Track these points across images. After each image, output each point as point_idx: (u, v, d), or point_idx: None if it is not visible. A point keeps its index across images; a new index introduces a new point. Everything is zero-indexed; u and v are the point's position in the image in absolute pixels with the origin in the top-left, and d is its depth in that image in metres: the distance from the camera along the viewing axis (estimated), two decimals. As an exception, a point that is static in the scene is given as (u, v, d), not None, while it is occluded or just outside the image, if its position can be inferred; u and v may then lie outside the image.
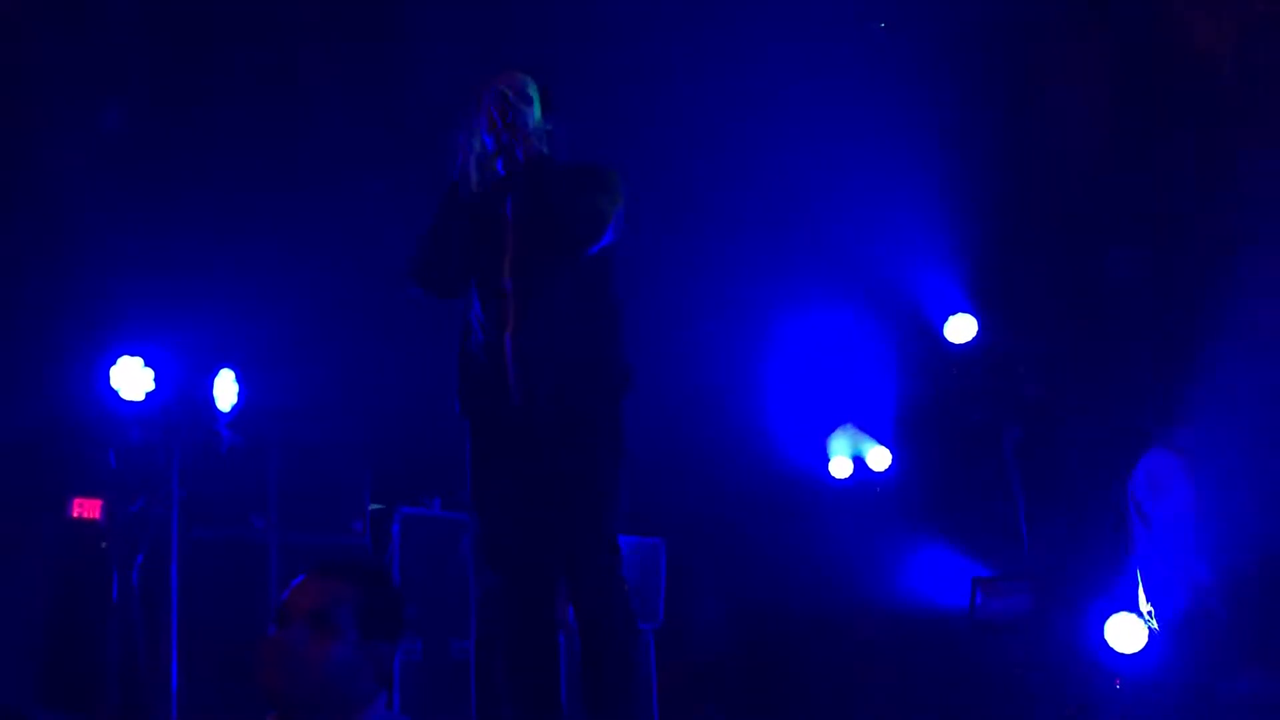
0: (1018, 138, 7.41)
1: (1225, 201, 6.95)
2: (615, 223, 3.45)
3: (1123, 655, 6.21)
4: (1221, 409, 5.95)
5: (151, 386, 5.71)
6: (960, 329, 7.47)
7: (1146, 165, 7.15)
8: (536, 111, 3.54)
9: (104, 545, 5.55)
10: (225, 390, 5.98)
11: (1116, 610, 6.26)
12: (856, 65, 6.82)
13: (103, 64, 5.73)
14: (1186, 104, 7.08)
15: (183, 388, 5.87)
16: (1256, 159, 6.72)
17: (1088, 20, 7.33)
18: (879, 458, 7.98)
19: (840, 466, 8.00)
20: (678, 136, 6.49)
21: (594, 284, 3.46)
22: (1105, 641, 6.27)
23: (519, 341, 3.35)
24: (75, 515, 5.53)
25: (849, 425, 7.57)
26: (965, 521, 7.43)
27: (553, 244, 3.39)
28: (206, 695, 5.30)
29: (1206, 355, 6.23)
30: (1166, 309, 6.96)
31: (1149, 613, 5.84)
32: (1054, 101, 7.62)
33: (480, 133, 3.52)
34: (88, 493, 5.57)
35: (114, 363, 5.64)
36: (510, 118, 3.45)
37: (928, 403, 7.83)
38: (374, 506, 5.97)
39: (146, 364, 5.70)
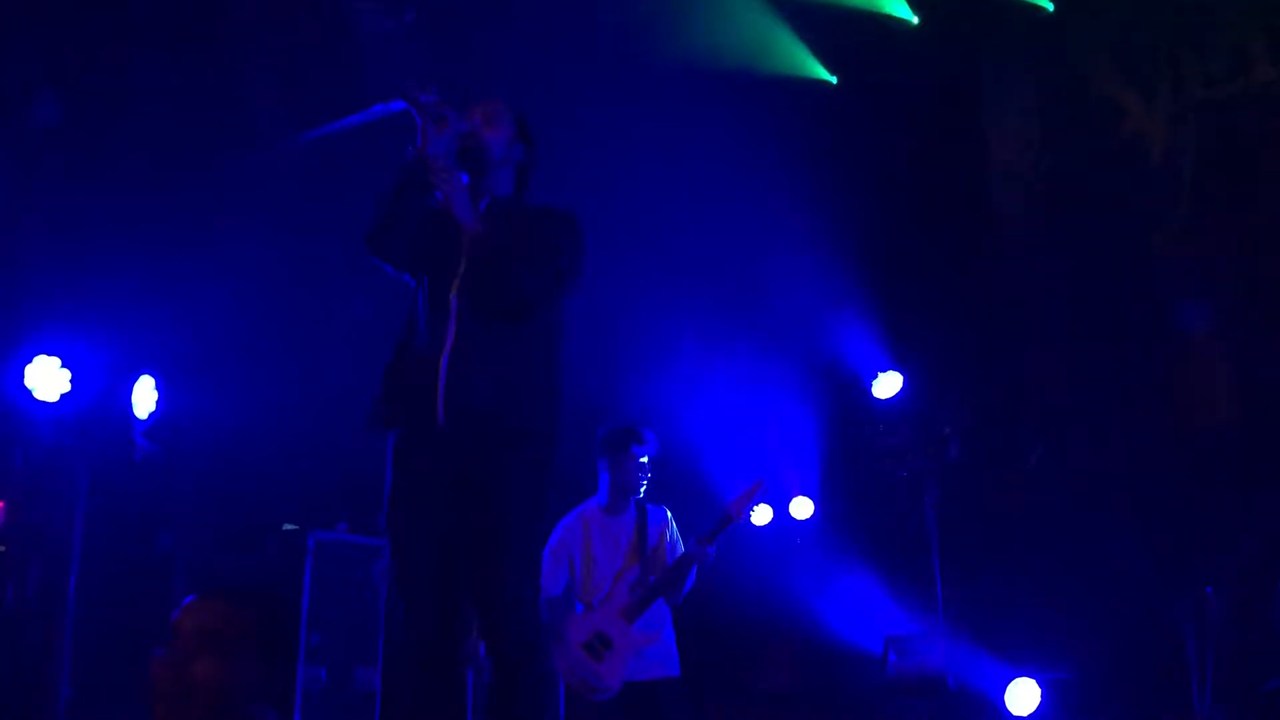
0: (956, 205, 7.59)
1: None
2: (563, 284, 3.37)
3: (1020, 718, 6.29)
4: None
5: (67, 388, 5.57)
6: (887, 385, 7.57)
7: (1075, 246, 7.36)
8: (506, 141, 3.47)
9: (2, 549, 5.38)
10: (144, 397, 5.85)
11: (1017, 675, 6.36)
12: (796, 136, 7.00)
13: (24, 63, 5.62)
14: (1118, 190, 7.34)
15: (100, 392, 5.73)
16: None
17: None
18: (802, 507, 8.01)
19: (760, 514, 8.03)
20: (619, 199, 6.57)
21: (541, 332, 3.37)
22: (1005, 705, 6.35)
23: (455, 364, 3.24)
24: (-26, 516, 5.36)
25: None
26: (883, 577, 7.47)
27: (493, 309, 3.31)
28: (96, 712, 5.14)
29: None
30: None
31: None
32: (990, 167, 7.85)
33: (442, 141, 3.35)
34: (-10, 493, 5.41)
35: (29, 361, 5.49)
36: (478, 151, 3.37)
37: (853, 456, 7.89)
38: (287, 527, 5.85)
39: (64, 364, 5.56)
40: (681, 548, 5.01)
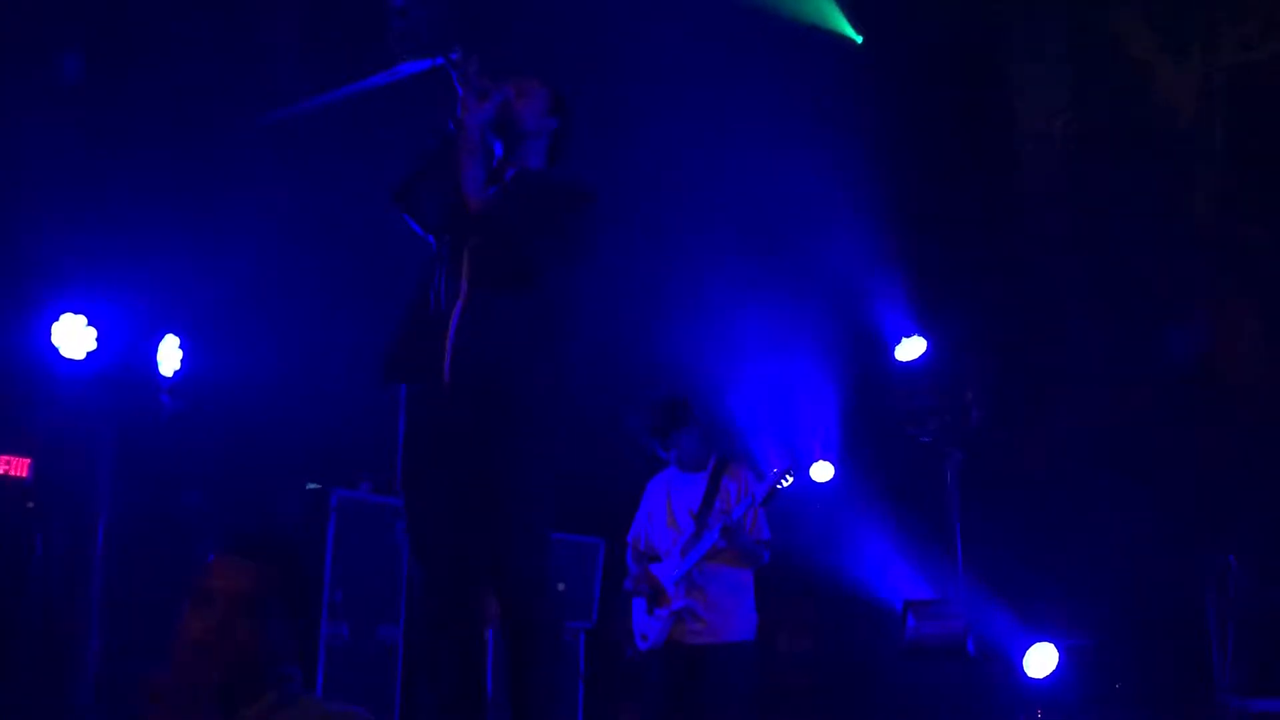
0: (983, 167, 7.52)
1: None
2: (570, 259, 3.41)
3: (1038, 681, 6.33)
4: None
5: (93, 346, 5.60)
6: (910, 349, 7.54)
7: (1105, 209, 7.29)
8: (538, 113, 3.53)
9: (30, 505, 5.43)
10: (169, 356, 5.89)
11: (1036, 640, 6.39)
12: (824, 95, 6.93)
13: (52, 18, 5.61)
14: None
15: (125, 350, 5.76)
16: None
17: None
18: (822, 470, 8.02)
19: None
20: (650, 161, 6.53)
21: (549, 302, 3.40)
22: (1024, 669, 6.38)
23: (463, 325, 3.30)
24: (2, 473, 5.40)
25: None
26: (902, 541, 7.49)
27: (498, 277, 3.37)
28: (125, 664, 5.21)
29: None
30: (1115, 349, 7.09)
31: None
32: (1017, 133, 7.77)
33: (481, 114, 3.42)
34: (17, 450, 5.45)
35: (56, 319, 5.52)
36: (512, 121, 3.45)
37: (874, 420, 7.88)
38: (311, 486, 5.89)
39: (90, 323, 5.60)
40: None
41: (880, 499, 7.62)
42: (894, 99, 7.37)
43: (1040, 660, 6.37)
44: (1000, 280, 7.52)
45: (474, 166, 3.37)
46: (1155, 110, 7.45)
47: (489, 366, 3.28)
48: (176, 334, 5.89)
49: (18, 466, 5.44)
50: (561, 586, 6.61)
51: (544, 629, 3.30)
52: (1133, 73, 7.53)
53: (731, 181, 7.21)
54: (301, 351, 6.33)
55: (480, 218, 3.36)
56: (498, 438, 3.26)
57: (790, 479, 5.13)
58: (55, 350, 5.52)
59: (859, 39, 7.79)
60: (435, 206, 3.46)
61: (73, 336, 5.54)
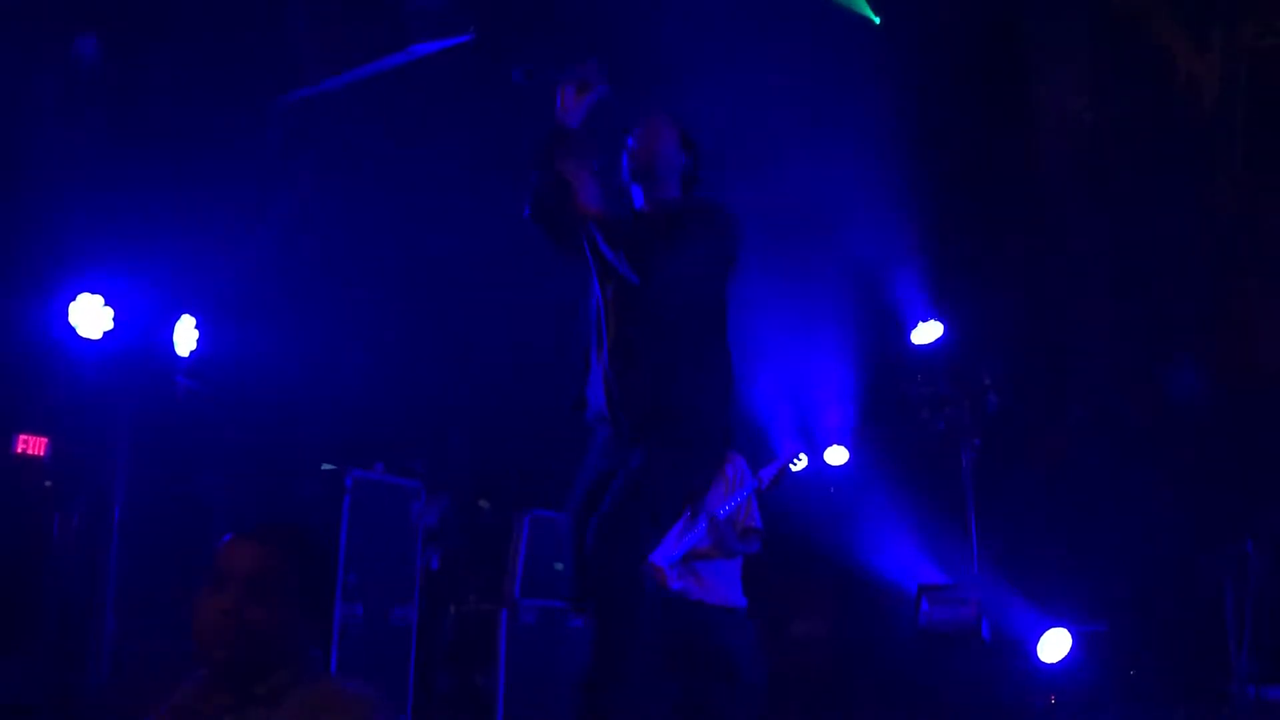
0: (1003, 153, 7.47)
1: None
2: (702, 273, 3.44)
3: (1052, 666, 6.32)
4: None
5: (110, 326, 5.62)
6: (926, 333, 7.52)
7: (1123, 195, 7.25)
8: (673, 151, 3.62)
9: (48, 484, 5.47)
10: (185, 336, 5.91)
11: (1050, 625, 6.37)
12: (844, 79, 6.89)
13: (66, 4, 5.62)
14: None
15: (142, 331, 5.79)
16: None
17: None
18: (837, 455, 8.01)
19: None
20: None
21: (689, 325, 3.42)
22: (1037, 655, 6.37)
23: (604, 371, 3.39)
24: (19, 451, 5.44)
25: None
26: (917, 526, 7.48)
27: (628, 299, 3.42)
28: (140, 643, 5.25)
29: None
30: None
31: None
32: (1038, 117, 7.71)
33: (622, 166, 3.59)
34: (35, 429, 5.48)
35: (73, 299, 5.55)
36: (646, 162, 3.57)
37: (890, 405, 7.86)
38: (326, 467, 5.91)
39: (107, 303, 5.62)
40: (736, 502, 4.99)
41: (895, 484, 7.60)
42: (914, 86, 7.33)
43: (1054, 645, 6.36)
44: (1019, 265, 7.48)
45: (583, 174, 3.42)
46: (1176, 95, 7.40)
47: (619, 402, 3.36)
48: (193, 314, 5.91)
49: (35, 446, 5.47)
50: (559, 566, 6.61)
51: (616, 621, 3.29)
52: (1154, 57, 7.47)
53: (750, 167, 7.17)
54: (317, 332, 6.35)
55: (588, 218, 3.41)
56: (632, 460, 3.32)
57: (803, 461, 5.12)
58: (72, 330, 5.54)
59: (876, 20, 7.75)
60: (567, 227, 3.52)
61: (90, 316, 5.56)
